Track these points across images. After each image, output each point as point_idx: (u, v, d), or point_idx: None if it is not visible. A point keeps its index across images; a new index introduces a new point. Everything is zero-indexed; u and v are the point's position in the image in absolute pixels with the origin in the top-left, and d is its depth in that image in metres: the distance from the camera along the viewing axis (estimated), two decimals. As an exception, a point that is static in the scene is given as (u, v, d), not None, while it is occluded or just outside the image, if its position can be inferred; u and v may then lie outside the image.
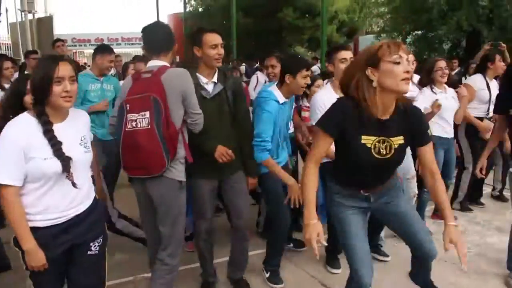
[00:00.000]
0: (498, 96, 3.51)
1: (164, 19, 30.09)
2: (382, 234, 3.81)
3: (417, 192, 3.93)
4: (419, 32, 13.02)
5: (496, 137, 3.46)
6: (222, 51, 2.79)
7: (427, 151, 2.17)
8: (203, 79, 2.83)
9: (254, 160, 2.97)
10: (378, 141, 2.05)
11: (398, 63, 1.91)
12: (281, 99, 3.02)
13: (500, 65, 4.54)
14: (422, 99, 3.97)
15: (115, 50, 4.80)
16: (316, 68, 8.53)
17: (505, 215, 4.76)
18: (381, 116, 2.02)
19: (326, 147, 2.10)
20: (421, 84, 4.20)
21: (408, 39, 13.66)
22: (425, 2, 11.09)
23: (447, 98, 4.09)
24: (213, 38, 2.76)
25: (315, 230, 2.00)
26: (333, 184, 2.27)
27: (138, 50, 24.23)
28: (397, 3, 13.07)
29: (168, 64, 2.60)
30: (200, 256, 3.15)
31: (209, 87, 2.84)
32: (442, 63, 4.08)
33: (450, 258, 3.67)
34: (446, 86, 4.18)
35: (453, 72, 6.89)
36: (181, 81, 2.50)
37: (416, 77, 4.56)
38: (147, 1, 59.85)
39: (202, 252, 3.11)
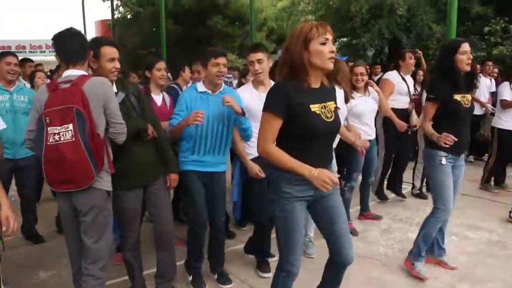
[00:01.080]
0: None
1: (91, 26, 29.18)
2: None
3: (354, 186, 4.18)
4: (345, 39, 13.53)
5: None
6: (118, 64, 2.75)
7: None
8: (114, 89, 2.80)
9: (173, 157, 3.06)
10: (322, 107, 2.25)
11: (324, 43, 2.15)
12: (201, 88, 3.20)
13: (410, 62, 5.10)
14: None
15: (39, 57, 4.54)
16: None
17: (425, 211, 5.03)
18: (315, 86, 2.27)
19: (276, 128, 2.22)
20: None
21: (335, 46, 14.15)
22: (348, 11, 11.55)
23: (367, 101, 4.28)
24: (111, 51, 2.74)
25: (323, 173, 2.12)
26: (282, 172, 2.26)
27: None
28: (323, 11, 13.51)
29: (86, 73, 2.53)
30: (128, 269, 3.09)
31: (119, 96, 2.80)
32: (359, 69, 4.26)
33: (375, 255, 3.88)
34: (371, 89, 4.40)
35: (376, 77, 7.23)
36: (103, 89, 2.45)
37: None
38: (72, 7, 57.58)
39: (130, 264, 3.05)
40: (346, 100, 4.02)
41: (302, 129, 2.21)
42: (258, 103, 2.93)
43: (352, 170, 4.30)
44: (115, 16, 23.39)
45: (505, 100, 5.62)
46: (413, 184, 5.62)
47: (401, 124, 4.74)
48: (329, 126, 2.27)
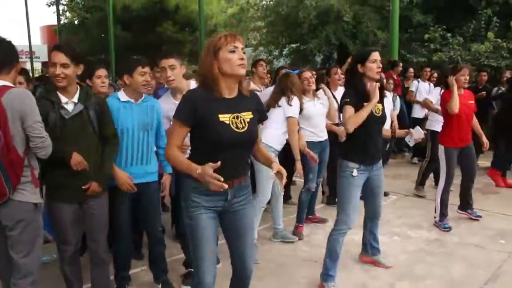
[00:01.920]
0: None
1: (36, 32, 28.24)
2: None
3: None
4: (293, 46, 13.73)
5: None
6: (59, 70, 2.64)
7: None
8: (63, 99, 2.72)
9: (108, 170, 2.92)
10: (234, 117, 2.25)
11: (234, 51, 2.20)
12: (123, 97, 3.12)
13: (335, 78, 5.10)
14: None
15: None
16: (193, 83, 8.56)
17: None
18: (229, 96, 2.28)
19: (181, 135, 2.27)
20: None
21: (285, 52, 14.35)
22: (297, 17, 11.73)
23: (315, 105, 4.37)
24: (54, 57, 2.66)
25: (206, 170, 2.06)
26: (190, 180, 2.25)
27: None
28: (272, 18, 13.67)
29: (9, 84, 2.41)
30: (66, 283, 2.98)
31: (69, 107, 2.72)
32: (307, 74, 4.37)
33: (320, 258, 3.92)
34: (322, 93, 4.56)
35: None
36: (20, 102, 2.33)
37: None
38: (16, 12, 55.34)
39: (68, 278, 2.95)
40: (300, 110, 4.12)
41: (210, 138, 2.23)
42: None
43: (307, 172, 4.36)
44: (62, 22, 22.78)
45: (427, 99, 5.85)
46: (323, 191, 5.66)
47: (339, 130, 4.70)
48: (239, 137, 2.26)
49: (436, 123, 5.75)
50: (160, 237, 3.37)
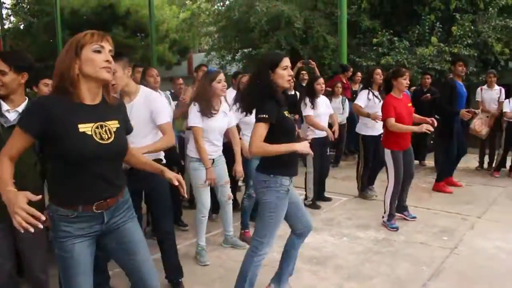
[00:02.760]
0: None
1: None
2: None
3: (231, 195, 4.21)
4: (246, 51, 13.78)
5: None
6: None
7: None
8: (4, 106, 2.61)
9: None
10: (97, 127, 1.96)
11: (99, 51, 1.93)
12: None
13: None
14: None
15: None
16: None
17: (320, 215, 5.28)
18: (91, 102, 1.99)
19: (21, 145, 1.92)
20: None
21: (237, 57, 14.37)
22: (248, 23, 11.79)
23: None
24: None
25: (18, 200, 1.72)
26: (55, 207, 1.97)
27: None
28: (224, 22, 13.67)
29: None
30: None
31: (10, 116, 2.60)
32: (244, 79, 4.38)
33: (270, 262, 3.93)
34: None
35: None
36: None
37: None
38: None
39: None
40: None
41: (69, 154, 1.89)
42: None
43: (248, 179, 4.36)
44: (6, 26, 21.91)
45: (356, 104, 5.87)
46: (305, 195, 5.69)
47: None
48: (104, 149, 1.95)
49: (364, 127, 5.89)
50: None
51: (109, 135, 1.98)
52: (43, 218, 1.70)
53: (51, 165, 2.01)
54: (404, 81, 4.60)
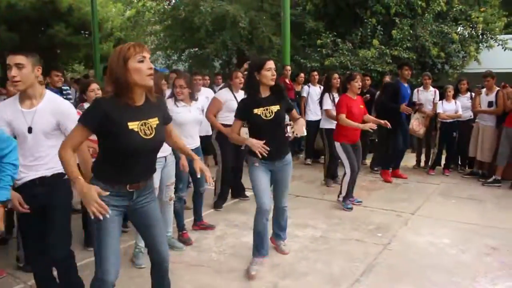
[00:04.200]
0: None
1: None
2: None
3: (174, 196, 4.16)
4: (192, 50, 13.65)
5: None
6: None
7: (171, 126, 2.74)
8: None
9: None
10: (141, 124, 2.35)
11: (142, 61, 2.29)
12: None
13: (236, 81, 5.34)
14: None
15: None
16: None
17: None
18: (137, 104, 2.38)
19: (80, 138, 2.32)
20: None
21: (183, 56, 14.20)
22: (193, 22, 11.67)
23: (190, 111, 4.34)
24: None
25: (91, 193, 2.19)
26: (96, 181, 2.36)
27: None
28: (169, 22, 13.48)
29: None
30: None
31: None
32: (179, 82, 4.27)
33: (207, 262, 3.92)
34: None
35: (219, 87, 7.40)
36: None
37: None
38: None
39: None
40: None
41: (120, 146, 2.30)
42: (23, 121, 2.75)
43: (178, 181, 4.29)
44: None
45: (328, 109, 6.40)
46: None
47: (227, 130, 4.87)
48: (147, 143, 2.37)
49: (327, 122, 6.46)
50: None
51: (151, 131, 2.39)
52: (109, 211, 2.22)
53: (101, 151, 2.41)
54: (356, 84, 5.27)
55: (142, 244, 3.93)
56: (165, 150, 3.88)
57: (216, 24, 11.72)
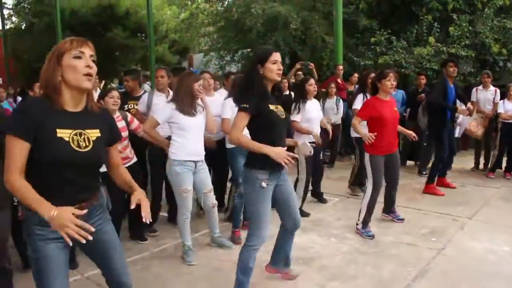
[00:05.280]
0: None
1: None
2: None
3: (216, 202, 4.16)
4: (245, 51, 13.77)
5: None
6: None
7: (115, 148, 2.28)
8: None
9: None
10: (75, 134, 1.97)
11: (79, 57, 1.95)
12: None
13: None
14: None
15: None
16: (147, 87, 8.48)
17: (310, 215, 5.24)
18: (73, 109, 2.01)
19: (24, 154, 1.88)
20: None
21: (236, 57, 14.36)
22: (245, 24, 11.77)
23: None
24: None
25: (65, 214, 1.81)
26: (30, 212, 1.93)
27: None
28: (222, 23, 13.67)
29: None
30: None
31: None
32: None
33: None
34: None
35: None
36: None
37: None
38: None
39: None
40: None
41: (45, 157, 1.90)
42: None
43: (237, 176, 4.34)
44: (7, 27, 22.03)
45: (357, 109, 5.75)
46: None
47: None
48: (80, 157, 1.96)
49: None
50: None
51: (87, 144, 1.99)
52: (93, 229, 1.83)
53: (28, 167, 1.95)
54: (388, 83, 4.42)
55: (189, 242, 4.04)
56: (195, 155, 3.91)
57: (267, 25, 11.75)
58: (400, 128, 4.82)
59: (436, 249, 4.17)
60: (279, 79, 3.02)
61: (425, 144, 7.36)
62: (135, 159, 4.24)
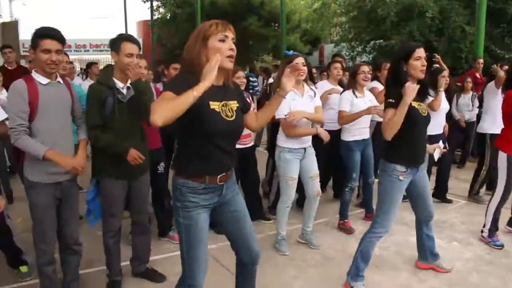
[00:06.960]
0: None
1: (133, 26, 30.09)
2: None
3: (320, 190, 4.05)
4: (377, 42, 13.37)
5: None
6: (136, 60, 2.90)
7: (250, 114, 2.41)
8: (119, 84, 2.97)
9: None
10: (222, 105, 2.14)
11: (223, 41, 2.08)
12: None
13: (384, 73, 4.97)
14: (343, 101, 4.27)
15: (83, 56, 4.71)
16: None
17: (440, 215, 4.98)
18: (217, 84, 2.13)
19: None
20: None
21: (368, 48, 14.01)
22: (378, 14, 11.42)
23: (365, 102, 4.31)
24: (129, 47, 2.89)
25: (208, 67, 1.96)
26: (183, 180, 2.16)
27: (107, 57, 24.20)
28: (355, 13, 13.41)
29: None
30: (108, 255, 3.23)
31: (125, 91, 2.98)
32: (365, 68, 4.33)
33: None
34: (365, 90, 4.52)
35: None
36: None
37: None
38: (115, 8, 59.46)
39: (110, 250, 3.21)
40: None
41: (201, 127, 2.08)
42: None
43: (350, 171, 4.33)
44: (156, 17, 24.11)
45: None
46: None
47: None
48: (229, 125, 2.14)
49: (493, 125, 5.22)
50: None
51: (232, 113, 2.17)
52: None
53: (179, 142, 2.24)
54: None
55: (283, 232, 4.06)
56: (305, 141, 3.86)
57: (402, 14, 11.27)
58: None
59: None
60: (423, 76, 2.99)
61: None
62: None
